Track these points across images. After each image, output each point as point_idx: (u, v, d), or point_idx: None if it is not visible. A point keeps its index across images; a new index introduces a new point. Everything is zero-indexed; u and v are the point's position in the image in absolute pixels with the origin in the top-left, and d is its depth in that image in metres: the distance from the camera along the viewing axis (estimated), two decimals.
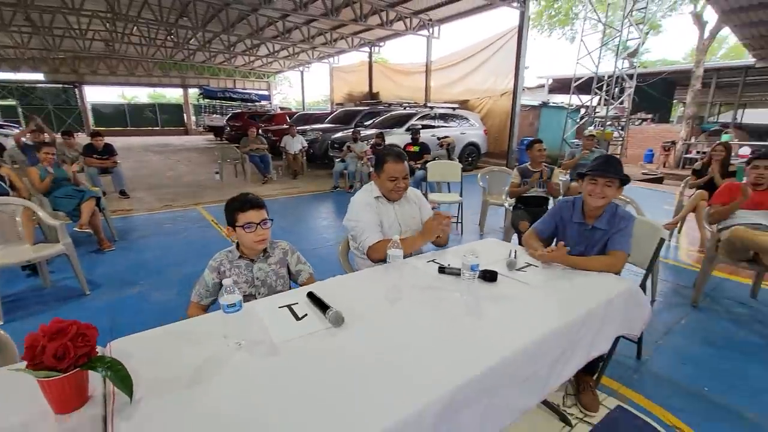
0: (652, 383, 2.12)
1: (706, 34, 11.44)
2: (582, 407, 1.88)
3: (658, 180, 10.44)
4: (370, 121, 10.34)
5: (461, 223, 4.88)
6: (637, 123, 15.87)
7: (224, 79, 24.56)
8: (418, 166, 6.20)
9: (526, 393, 1.19)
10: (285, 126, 11.55)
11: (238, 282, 1.60)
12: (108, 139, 6.32)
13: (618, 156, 10.98)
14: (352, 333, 1.20)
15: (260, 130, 11.09)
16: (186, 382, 0.98)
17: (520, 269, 1.72)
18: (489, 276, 1.54)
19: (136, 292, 3.15)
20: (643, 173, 11.20)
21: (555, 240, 2.04)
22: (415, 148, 6.69)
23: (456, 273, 1.58)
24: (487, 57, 11.94)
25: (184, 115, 24.29)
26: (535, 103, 12.11)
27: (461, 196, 4.89)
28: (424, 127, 9.20)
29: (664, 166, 12.82)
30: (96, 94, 37.35)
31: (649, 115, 15.53)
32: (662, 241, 2.05)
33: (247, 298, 1.59)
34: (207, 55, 19.12)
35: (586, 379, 1.94)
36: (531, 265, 1.78)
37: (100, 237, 4.03)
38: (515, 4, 9.79)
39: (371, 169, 3.71)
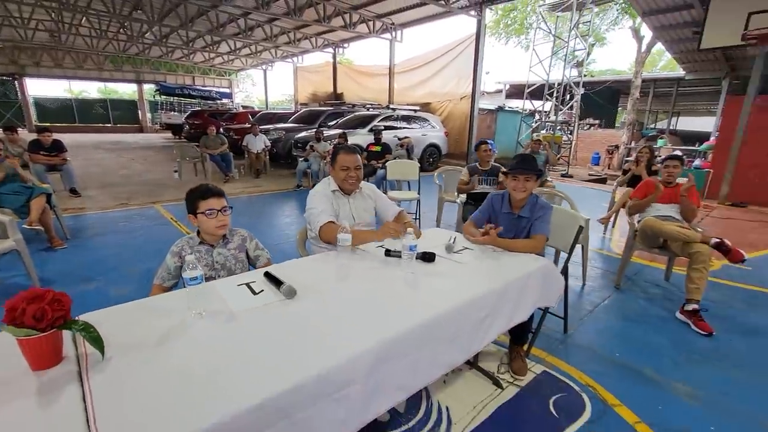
0: (575, 352, 2.44)
1: (644, 47, 12.51)
2: (513, 373, 2.15)
3: (602, 180, 11.27)
4: (334, 122, 10.47)
5: (419, 219, 5.14)
6: (585, 128, 16.99)
7: (183, 76, 23.73)
8: (380, 165, 6.41)
9: (453, 350, 1.41)
10: (247, 125, 11.44)
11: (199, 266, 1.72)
12: (55, 136, 6.06)
13: (566, 157, 11.77)
14: (304, 302, 1.37)
15: (221, 129, 10.91)
16: (152, 344, 1.11)
17: (457, 252, 1.96)
18: (427, 257, 1.77)
19: (92, 287, 3.13)
20: (590, 174, 12.06)
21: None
22: (378, 148, 6.89)
23: (400, 255, 1.79)
24: (448, 62, 12.41)
25: (139, 111, 23.22)
26: (492, 107, 12.72)
27: (419, 193, 5.16)
28: (387, 128, 9.46)
29: (608, 168, 13.83)
30: (39, 88, 34.78)
31: (596, 121, 16.69)
32: (581, 228, 2.36)
33: (208, 280, 1.72)
34: (164, 50, 18.45)
35: (517, 349, 2.21)
36: (467, 248, 2.02)
37: (51, 235, 3.92)
38: (472, 13, 10.28)
39: None
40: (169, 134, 19.97)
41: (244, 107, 19.44)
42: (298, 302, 1.38)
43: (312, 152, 7.39)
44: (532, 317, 2.10)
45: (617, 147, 14.03)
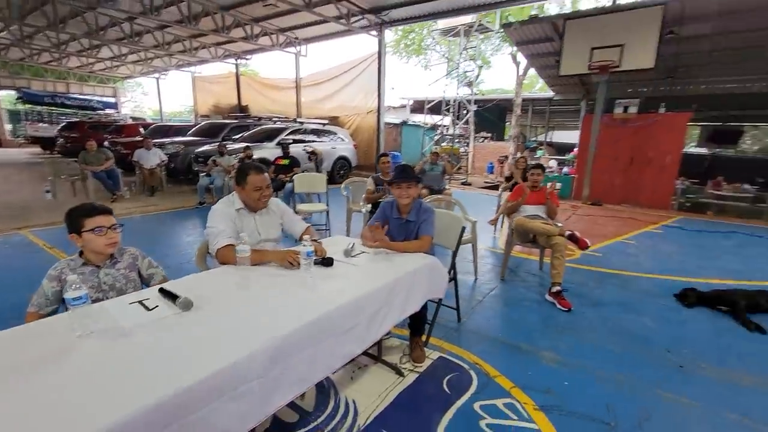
0: (466, 337, 2.78)
1: (521, 71, 14.45)
2: (413, 361, 2.39)
3: (495, 187, 12.62)
4: (239, 135, 10.11)
5: (329, 229, 5.27)
6: (480, 141, 18.86)
7: (53, 82, 20.66)
8: (288, 178, 6.40)
9: (350, 342, 1.57)
10: (138, 138, 10.44)
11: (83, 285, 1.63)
12: None
13: (465, 167, 12.97)
14: (201, 313, 1.41)
15: (106, 143, 9.81)
16: (29, 369, 1.06)
17: (355, 256, 2.14)
18: (326, 262, 1.91)
19: None
20: (485, 182, 13.43)
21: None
22: (286, 162, 6.87)
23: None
24: (354, 77, 12.86)
25: None
26: (397, 121, 13.49)
27: (328, 205, 5.30)
28: (296, 141, 9.46)
29: (501, 176, 15.55)
30: None
31: (489, 134, 18.66)
32: (464, 229, 2.73)
33: (95, 303, 1.63)
34: (27, 52, 15.91)
35: (416, 340, 2.46)
36: (365, 252, 2.22)
37: None
38: (373, 33, 10.86)
39: None
40: (38, 149, 17.17)
41: (133, 119, 17.64)
42: (194, 313, 1.41)
43: (215, 167, 7.06)
44: (425, 309, 2.38)
45: (507, 157, 15.85)
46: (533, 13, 12.31)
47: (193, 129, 11.28)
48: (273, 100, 14.99)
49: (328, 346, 1.46)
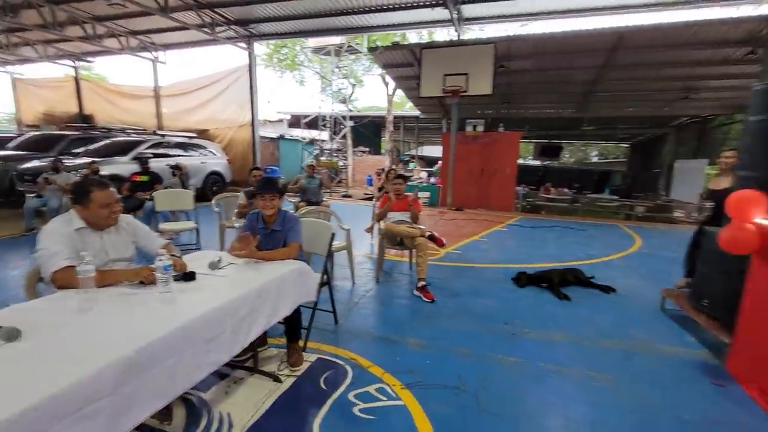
0: (343, 337, 2.95)
1: (390, 90, 15.71)
2: (290, 366, 2.44)
3: (372, 199, 13.39)
4: (82, 149, 8.65)
5: (200, 248, 4.92)
6: (359, 155, 19.74)
7: None
8: (148, 196, 5.76)
9: (214, 350, 1.57)
10: None
11: None
12: None
13: (345, 180, 13.40)
14: (31, 341, 1.26)
15: None
16: None
17: (222, 268, 2.12)
18: (187, 276, 1.87)
19: None
20: (365, 194, 14.10)
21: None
22: (144, 178, 6.18)
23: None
24: (225, 87, 12.21)
25: None
26: (274, 135, 13.25)
27: (197, 223, 4.96)
28: (157, 156, 8.55)
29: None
30: None
31: (367, 149, 19.66)
32: (333, 235, 2.92)
33: None
34: None
35: (293, 346, 2.53)
36: (233, 263, 2.21)
37: None
38: (242, 45, 10.56)
39: None
40: None
41: None
42: (24, 342, 1.25)
43: (48, 186, 5.93)
44: (299, 314, 2.47)
45: (383, 170, 16.91)
46: (395, 40, 13.59)
47: (17, 141, 9.22)
48: (125, 110, 13.20)
49: (190, 357, 1.44)
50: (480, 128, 9.92)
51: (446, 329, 3.14)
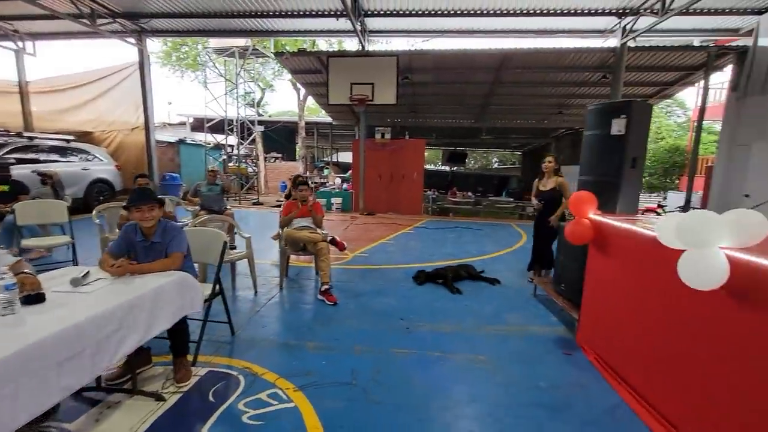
0: (239, 347, 2.88)
1: (302, 96, 15.57)
2: (177, 383, 2.33)
3: None
4: None
5: (77, 264, 4.37)
6: (272, 161, 19.13)
7: None
8: (8, 209, 4.94)
9: (70, 372, 1.46)
10: None
11: None
12: None
13: (251, 185, 12.85)
14: None
15: None
16: None
17: (89, 283, 1.96)
18: (33, 299, 1.68)
19: None
20: (277, 200, 13.70)
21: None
22: (4, 188, 5.31)
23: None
24: (112, 86, 10.98)
25: None
26: (173, 139, 12.24)
27: (73, 237, 4.42)
28: (22, 161, 7.37)
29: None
30: None
31: (279, 155, 19.15)
32: (225, 244, 2.85)
33: None
34: None
35: (181, 361, 2.41)
36: (102, 278, 2.05)
37: None
38: (131, 40, 9.61)
39: None
40: None
41: None
42: None
43: None
44: (185, 327, 2.38)
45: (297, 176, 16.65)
46: (303, 46, 13.55)
47: None
48: None
49: (38, 381, 1.33)
50: (387, 136, 10.35)
51: (346, 329, 3.25)
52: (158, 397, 2.19)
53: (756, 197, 7.08)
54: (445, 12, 8.54)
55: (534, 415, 2.20)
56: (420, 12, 8.49)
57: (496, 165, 36.15)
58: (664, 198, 15.75)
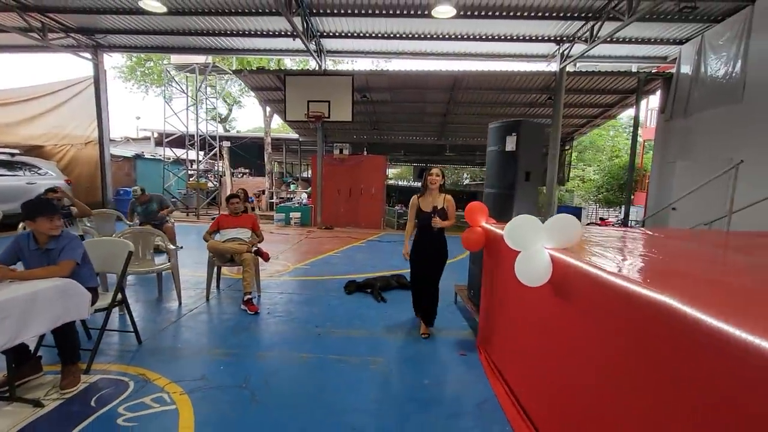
0: (141, 355, 2.92)
1: (268, 112, 15.71)
2: (61, 389, 2.36)
3: None
4: None
5: None
6: (239, 176, 19.05)
7: None
8: None
9: None
10: None
11: None
12: None
13: (213, 199, 12.72)
14: None
15: None
16: None
17: None
18: None
19: None
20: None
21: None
22: None
23: None
24: (64, 100, 10.79)
25: None
26: (129, 154, 12.11)
27: None
28: None
29: (259, 209, 16.12)
30: None
31: (247, 170, 19.11)
32: (130, 254, 2.93)
33: None
34: None
35: (68, 368, 2.44)
36: None
37: None
38: (86, 55, 9.59)
39: None
40: None
41: None
42: None
43: None
44: (70, 334, 2.42)
45: (263, 191, 16.62)
46: (270, 65, 13.78)
47: None
48: None
49: None
50: (346, 151, 10.58)
51: (256, 337, 3.34)
52: (36, 404, 2.22)
53: (681, 210, 7.61)
54: (400, 35, 8.93)
55: (405, 409, 2.35)
56: (375, 35, 8.86)
57: (467, 181, 37.03)
58: (620, 212, 16.54)
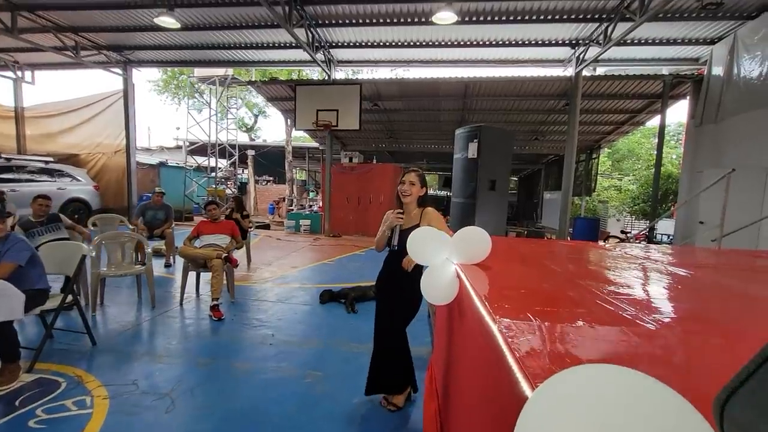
0: (89, 356, 2.98)
1: (289, 122, 16.12)
2: None
3: (267, 227, 13.36)
4: None
5: None
6: (264, 183, 19.64)
7: None
8: None
9: None
10: None
11: None
12: None
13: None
14: None
15: None
16: None
17: None
18: None
19: None
20: (257, 222, 14.00)
21: None
22: None
23: None
24: (98, 112, 11.62)
25: None
26: (153, 162, 12.79)
27: None
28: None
29: (279, 216, 16.48)
30: None
31: (271, 178, 19.67)
32: (83, 257, 3.02)
33: None
34: None
35: (6, 367, 2.53)
36: None
37: None
38: (117, 71, 10.28)
39: None
40: None
41: None
42: None
43: None
44: (8, 332, 2.51)
45: (283, 199, 17.01)
46: (292, 76, 14.16)
47: None
48: None
49: None
50: (356, 160, 10.60)
51: (207, 344, 3.33)
52: None
53: (708, 224, 6.95)
54: (409, 43, 8.90)
55: (319, 428, 2.22)
56: (383, 43, 8.88)
57: None
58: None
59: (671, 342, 1.08)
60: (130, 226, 6.21)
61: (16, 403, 2.34)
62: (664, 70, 10.31)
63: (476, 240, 1.79)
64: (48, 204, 4.03)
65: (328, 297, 4.59)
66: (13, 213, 6.08)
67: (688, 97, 8.92)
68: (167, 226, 6.02)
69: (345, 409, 2.42)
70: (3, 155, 8.65)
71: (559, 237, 9.51)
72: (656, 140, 9.13)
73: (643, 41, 7.97)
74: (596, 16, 7.17)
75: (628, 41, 7.85)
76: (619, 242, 8.49)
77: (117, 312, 4.02)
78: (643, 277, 2.02)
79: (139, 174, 11.35)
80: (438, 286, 1.79)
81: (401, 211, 2.36)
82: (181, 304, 4.29)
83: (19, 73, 11.13)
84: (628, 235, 10.17)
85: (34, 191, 8.60)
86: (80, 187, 9.76)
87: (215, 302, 3.94)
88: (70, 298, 2.94)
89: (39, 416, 2.22)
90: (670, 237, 10.65)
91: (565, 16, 7.30)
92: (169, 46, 9.64)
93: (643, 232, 9.80)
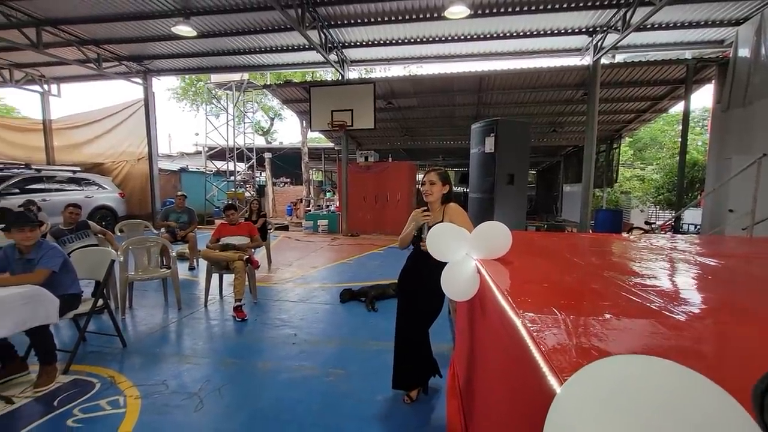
0: (121, 358, 3.09)
1: (305, 123, 16.28)
2: (34, 388, 2.56)
3: (286, 228, 13.53)
4: None
5: None
6: (281, 185, 19.89)
7: None
8: None
9: None
10: None
11: None
12: None
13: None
14: None
15: None
16: None
17: None
18: None
19: None
20: (275, 223, 14.19)
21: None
22: None
23: None
24: (121, 121, 11.97)
25: None
26: (175, 168, 13.12)
27: None
28: (30, 191, 8.21)
29: (297, 217, 16.67)
30: None
31: (288, 179, 19.90)
32: (112, 262, 3.13)
33: None
34: None
35: (44, 368, 2.65)
36: None
37: None
38: (137, 80, 10.59)
39: None
40: None
41: None
42: None
43: None
44: (42, 337, 2.62)
45: (301, 200, 17.18)
46: (307, 78, 14.28)
47: None
48: (10, 143, 12.37)
49: None
50: (371, 158, 10.62)
51: (232, 344, 3.40)
52: (7, 401, 2.42)
53: (738, 212, 6.67)
54: (421, 39, 8.84)
55: (343, 425, 2.24)
56: (395, 41, 8.85)
57: None
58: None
59: (702, 333, 1.04)
60: (155, 231, 6.40)
61: (55, 403, 2.45)
62: (687, 54, 9.93)
63: (496, 235, 1.77)
64: (78, 212, 4.19)
65: (348, 296, 4.62)
66: (45, 221, 6.37)
67: (713, 81, 8.57)
68: (190, 229, 6.17)
69: (368, 406, 2.44)
70: (34, 166, 9.03)
71: (580, 230, 9.29)
72: (680, 127, 8.80)
73: (664, 25, 7.68)
74: (615, 2, 6.96)
75: (648, 26, 7.59)
76: (643, 233, 8.24)
77: (145, 315, 4.14)
78: (670, 268, 1.96)
79: (161, 180, 11.68)
80: (458, 282, 1.77)
81: (427, 209, 2.38)
82: (205, 305, 4.40)
83: (45, 87, 11.59)
84: (653, 225, 9.83)
85: (64, 200, 8.98)
86: (106, 194, 10.12)
87: (238, 303, 4.02)
88: (101, 302, 3.05)
89: (76, 415, 2.32)
90: (698, 227, 10.26)
91: (581, 3, 7.11)
92: (187, 54, 9.86)
93: (669, 222, 9.49)
